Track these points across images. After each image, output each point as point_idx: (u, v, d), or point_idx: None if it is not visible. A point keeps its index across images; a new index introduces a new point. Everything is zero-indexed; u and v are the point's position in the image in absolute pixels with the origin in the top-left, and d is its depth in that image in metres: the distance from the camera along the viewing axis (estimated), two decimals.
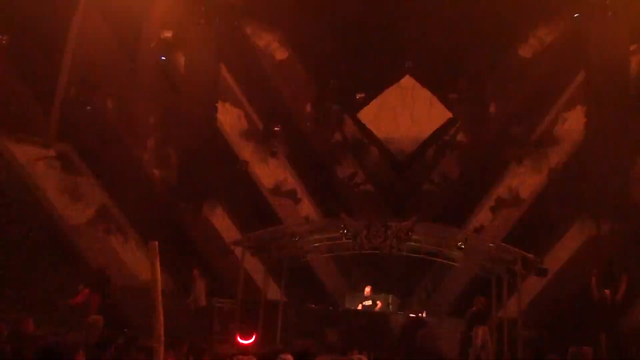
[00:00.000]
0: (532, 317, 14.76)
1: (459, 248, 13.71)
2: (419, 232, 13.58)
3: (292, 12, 17.46)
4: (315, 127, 19.31)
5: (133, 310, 13.30)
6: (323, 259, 17.25)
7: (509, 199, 17.97)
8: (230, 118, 18.46)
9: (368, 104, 19.32)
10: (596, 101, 16.66)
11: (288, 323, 14.54)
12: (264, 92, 18.85)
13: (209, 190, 17.80)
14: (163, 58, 17.81)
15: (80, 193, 16.30)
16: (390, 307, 15.61)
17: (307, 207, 18.82)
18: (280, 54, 19.03)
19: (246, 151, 18.57)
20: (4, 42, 15.09)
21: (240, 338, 13.29)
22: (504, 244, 14.10)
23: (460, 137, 18.94)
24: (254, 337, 13.32)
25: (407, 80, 19.14)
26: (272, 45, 18.94)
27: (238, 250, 14.74)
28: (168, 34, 17.59)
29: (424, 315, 15.55)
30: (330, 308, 15.86)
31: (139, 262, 16.19)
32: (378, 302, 15.48)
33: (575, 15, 17.31)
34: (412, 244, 13.70)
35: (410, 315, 15.40)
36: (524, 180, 17.95)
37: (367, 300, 15.50)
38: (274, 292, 15.38)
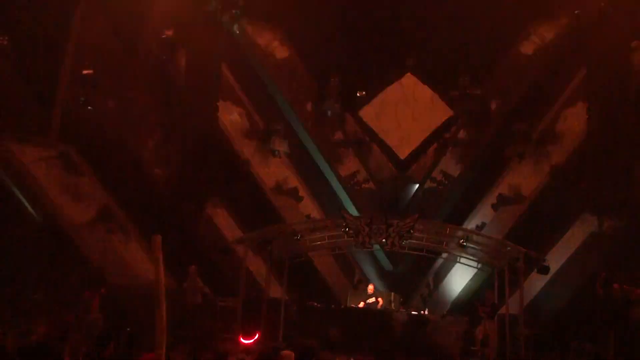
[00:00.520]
0: (534, 314, 14.77)
1: (461, 245, 13.72)
2: (420, 230, 13.59)
3: (292, 10, 17.46)
4: (317, 126, 19.30)
5: (135, 308, 13.29)
6: (325, 257, 17.27)
7: (511, 197, 17.93)
8: (231, 117, 18.47)
9: (369, 102, 19.33)
10: (597, 98, 16.65)
11: (290, 321, 14.55)
12: (265, 91, 18.86)
13: (211, 190, 17.81)
14: (164, 57, 17.82)
15: (81, 193, 16.33)
16: (393, 304, 15.60)
17: (308, 206, 18.82)
18: (281, 52, 19.03)
19: (248, 150, 18.58)
20: (4, 42, 15.11)
21: (243, 337, 13.31)
22: (505, 241, 14.10)
23: (461, 134, 18.92)
24: (256, 336, 13.34)
25: (408, 78, 19.13)
26: (273, 44, 18.95)
27: (240, 249, 14.76)
28: (169, 33, 17.60)
29: (426, 312, 15.54)
30: (333, 306, 15.84)
31: (141, 261, 16.22)
32: (380, 299, 15.47)
33: (576, 12, 17.30)
34: (414, 241, 13.71)
35: (413, 312, 15.39)
36: (526, 178, 17.93)
37: (370, 298, 15.51)
38: (276, 290, 15.40)
